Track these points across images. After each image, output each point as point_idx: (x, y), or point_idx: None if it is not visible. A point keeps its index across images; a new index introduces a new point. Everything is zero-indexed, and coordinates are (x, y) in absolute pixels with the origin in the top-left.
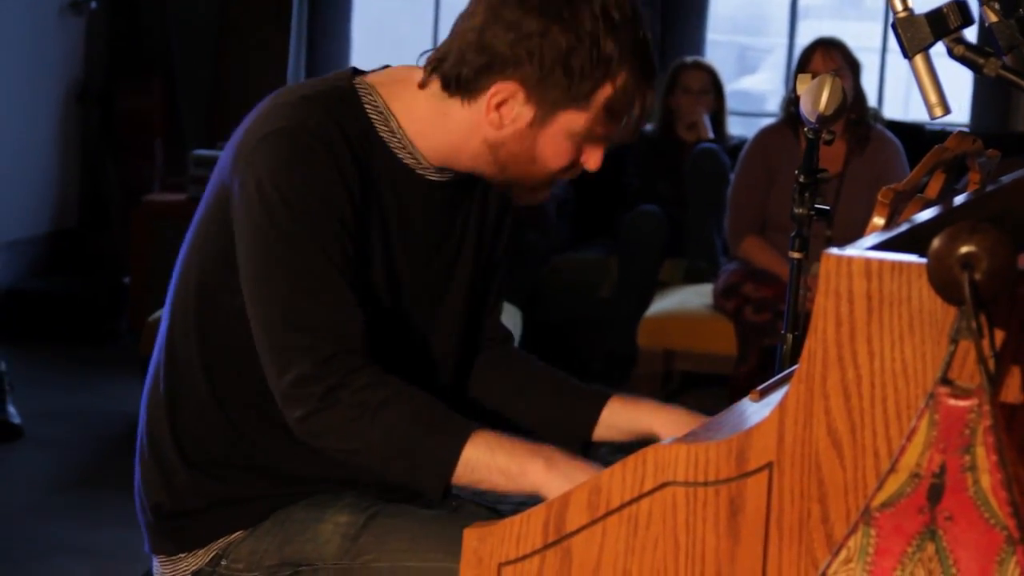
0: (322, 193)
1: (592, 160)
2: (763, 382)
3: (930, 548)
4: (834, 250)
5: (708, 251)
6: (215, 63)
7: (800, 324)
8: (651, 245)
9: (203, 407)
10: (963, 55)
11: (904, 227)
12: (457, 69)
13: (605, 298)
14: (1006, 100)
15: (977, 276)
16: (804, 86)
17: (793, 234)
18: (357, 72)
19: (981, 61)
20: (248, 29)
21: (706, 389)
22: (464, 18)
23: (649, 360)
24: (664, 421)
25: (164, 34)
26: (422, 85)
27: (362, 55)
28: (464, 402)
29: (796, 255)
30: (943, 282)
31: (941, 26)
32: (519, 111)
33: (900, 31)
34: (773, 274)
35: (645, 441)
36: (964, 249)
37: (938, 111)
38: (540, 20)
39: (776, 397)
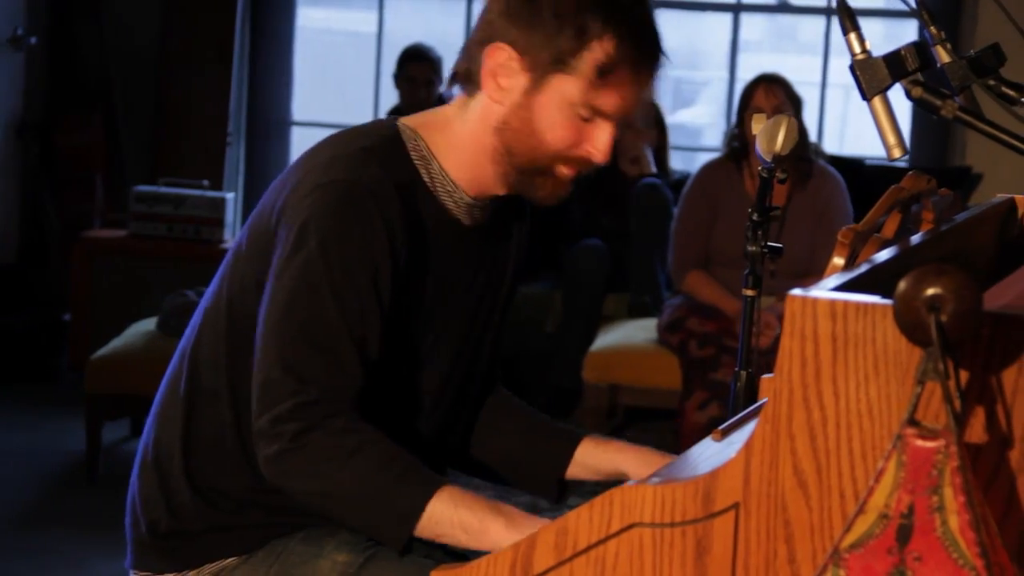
0: (362, 252)
1: (597, 143)
2: (708, 416)
3: None
4: (798, 291)
5: (652, 285)
6: (156, 98)
7: (753, 361)
8: (595, 279)
9: (222, 437)
10: (921, 97)
11: (865, 268)
12: (466, 62)
13: (550, 332)
14: (944, 135)
15: (943, 318)
16: (759, 125)
17: (746, 272)
18: (398, 117)
19: (939, 103)
20: (189, 64)
21: (650, 423)
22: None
23: (595, 395)
24: (634, 461)
25: (104, 69)
26: (449, 102)
27: (304, 90)
28: (458, 444)
29: (749, 292)
30: (910, 324)
31: (899, 68)
32: (515, 79)
33: (858, 73)
34: (717, 309)
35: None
36: (931, 291)
37: (897, 152)
38: None
39: (738, 437)
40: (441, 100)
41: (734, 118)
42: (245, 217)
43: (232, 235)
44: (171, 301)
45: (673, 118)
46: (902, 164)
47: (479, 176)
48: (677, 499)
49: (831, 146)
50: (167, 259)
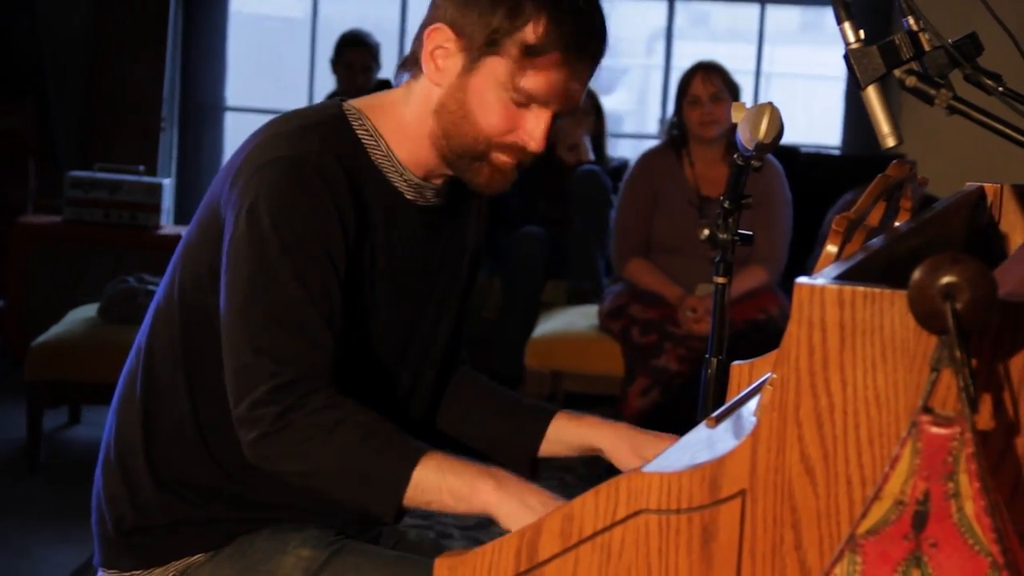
0: (313, 225)
1: (531, 130)
2: (650, 402)
3: (916, 574)
4: (806, 279)
5: (591, 272)
6: (89, 83)
7: (723, 348)
8: (534, 266)
9: (181, 427)
10: (915, 86)
11: (860, 256)
12: (413, 46)
13: (489, 319)
14: None
15: (958, 306)
16: (740, 114)
17: (717, 259)
18: (343, 99)
19: (932, 92)
20: (122, 49)
21: (592, 409)
22: None
23: (536, 381)
24: (608, 436)
25: (36, 54)
26: (397, 87)
27: (238, 75)
28: (433, 428)
29: (720, 280)
30: (925, 312)
31: (893, 57)
32: (452, 60)
33: (853, 62)
34: (659, 295)
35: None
36: (946, 279)
37: (890, 141)
38: None
39: (733, 423)
40: (381, 85)
41: (661, 104)
42: (179, 203)
43: (168, 221)
44: (112, 287)
45: None
46: (835, 152)
47: (424, 159)
48: (683, 486)
49: None
50: (103, 245)
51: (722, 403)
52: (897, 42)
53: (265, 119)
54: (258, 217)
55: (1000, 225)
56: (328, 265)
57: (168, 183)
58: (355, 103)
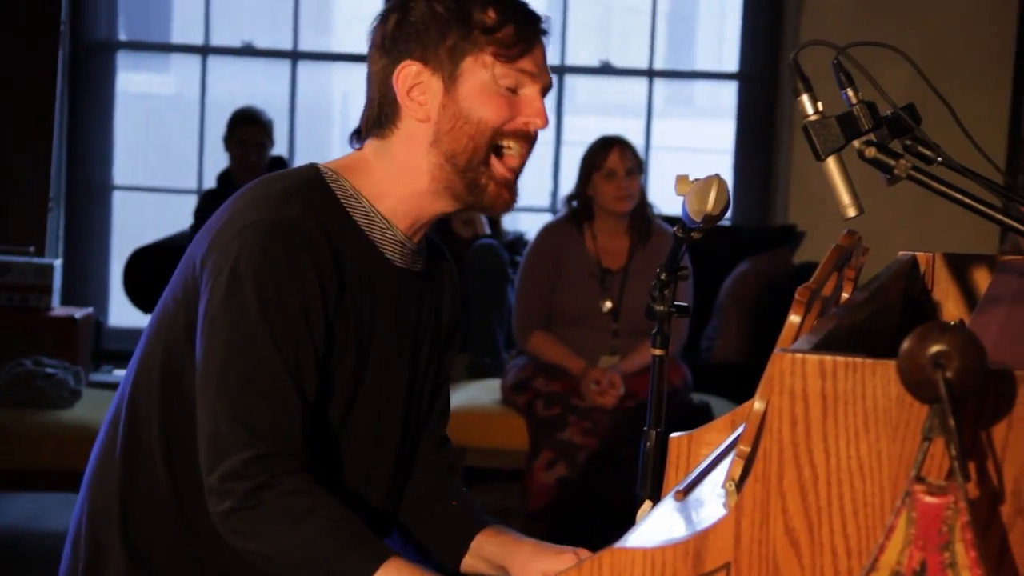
0: (295, 291)
1: (531, 109)
2: (555, 476)
3: None
4: (785, 350)
5: (491, 346)
6: None
7: (661, 420)
8: None
9: (158, 497)
10: (875, 157)
11: (829, 325)
12: (371, 108)
13: None
14: (765, 194)
15: (949, 374)
16: (686, 187)
17: (654, 331)
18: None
19: (892, 163)
20: (8, 129)
21: (497, 484)
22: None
23: None
24: (510, 553)
25: None
26: (362, 148)
27: (127, 154)
28: (397, 507)
29: (658, 352)
30: (916, 381)
31: (852, 128)
32: (430, 89)
33: (812, 133)
34: (562, 368)
35: None
36: (935, 348)
37: (851, 211)
38: (395, 18)
39: (702, 495)
40: (275, 162)
41: (552, 178)
42: (67, 283)
43: (60, 302)
44: (9, 371)
45: None
46: (725, 223)
47: (414, 207)
48: (667, 561)
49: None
50: None
51: (662, 476)
52: (856, 113)
53: (154, 198)
54: (239, 280)
55: (933, 293)
56: (305, 331)
57: (57, 263)
58: (331, 165)
